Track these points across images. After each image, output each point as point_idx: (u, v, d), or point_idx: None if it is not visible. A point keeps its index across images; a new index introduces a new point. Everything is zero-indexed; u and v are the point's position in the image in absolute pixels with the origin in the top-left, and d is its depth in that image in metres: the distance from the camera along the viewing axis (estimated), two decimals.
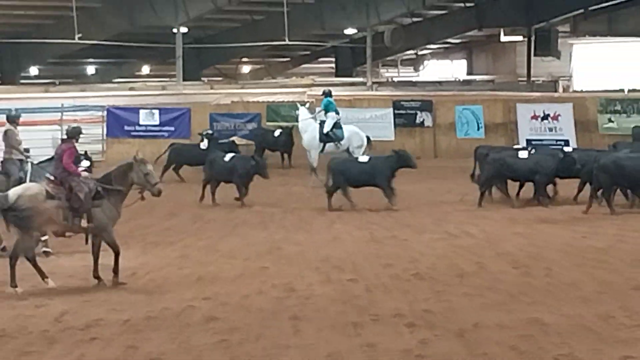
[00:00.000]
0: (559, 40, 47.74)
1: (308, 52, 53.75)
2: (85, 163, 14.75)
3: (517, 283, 14.02)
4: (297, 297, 13.32)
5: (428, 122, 35.43)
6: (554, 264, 15.35)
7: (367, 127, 30.81)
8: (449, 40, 54.75)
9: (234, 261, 16.15)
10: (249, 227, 20.07)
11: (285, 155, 32.93)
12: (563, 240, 17.65)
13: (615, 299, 12.85)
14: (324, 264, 15.73)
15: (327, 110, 27.71)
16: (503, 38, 51.62)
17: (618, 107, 33.17)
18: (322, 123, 27.60)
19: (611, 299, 12.85)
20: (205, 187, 23.94)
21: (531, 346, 10.60)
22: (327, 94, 28.20)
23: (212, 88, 40.87)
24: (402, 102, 36.02)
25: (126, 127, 34.34)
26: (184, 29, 40.64)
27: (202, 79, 45.91)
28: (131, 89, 39.46)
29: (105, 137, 34.21)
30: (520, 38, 50.53)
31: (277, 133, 32.90)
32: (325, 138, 27.41)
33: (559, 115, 33.80)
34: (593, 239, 17.82)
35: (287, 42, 41.33)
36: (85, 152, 15.35)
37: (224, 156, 24.16)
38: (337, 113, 27.77)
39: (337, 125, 27.49)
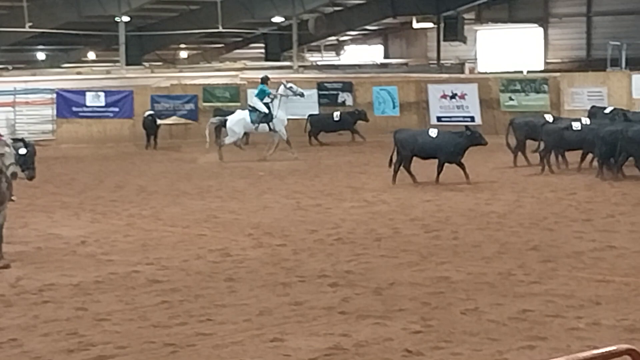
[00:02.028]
0: (465, 27, 48.00)
1: (240, 39, 53.48)
2: (22, 150, 13.94)
3: (428, 245, 14.15)
4: (232, 260, 13.33)
5: (349, 102, 35.47)
6: (460, 228, 15.52)
7: (294, 107, 30.75)
8: (367, 27, 54.78)
9: (175, 229, 16.10)
10: (189, 197, 20.01)
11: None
12: (468, 206, 17.83)
13: (515, 258, 13.02)
14: (255, 230, 15.75)
15: (257, 95, 27.78)
16: (415, 25, 51.78)
17: (518, 87, 33.47)
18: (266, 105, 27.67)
19: (511, 258, 13.03)
20: None
21: (441, 302, 10.72)
22: (263, 81, 28.31)
23: (152, 72, 40.54)
24: (326, 84, 36.04)
25: (74, 109, 33.94)
26: (126, 18, 40.21)
27: (144, 63, 45.43)
28: (78, 73, 38.98)
29: (55, 118, 33.82)
30: (430, 25, 50.72)
31: (336, 117, 32.65)
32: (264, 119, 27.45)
33: (465, 94, 34.03)
34: (495, 204, 18.02)
35: (220, 29, 41.16)
36: (22, 138, 14.62)
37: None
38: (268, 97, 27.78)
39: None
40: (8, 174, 13.16)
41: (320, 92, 35.49)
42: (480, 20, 50.52)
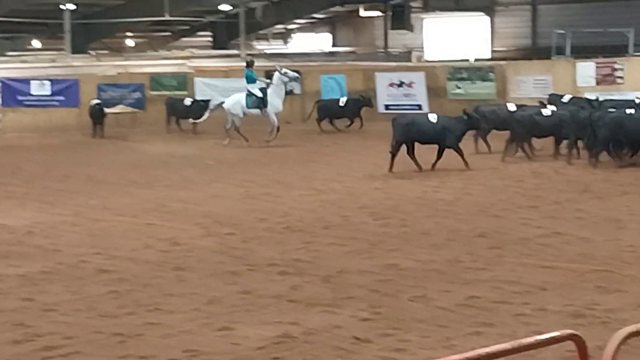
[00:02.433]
0: (412, 15, 48.12)
1: (187, 27, 53.15)
2: None
3: (377, 232, 14.20)
4: (181, 249, 13.28)
5: (297, 90, 35.43)
6: (409, 215, 15.59)
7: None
8: (315, 15, 54.72)
9: (123, 218, 16.00)
10: (137, 186, 19.88)
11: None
12: (416, 194, 17.91)
13: (463, 245, 13.11)
14: (204, 219, 15.69)
15: (248, 81, 28.03)
16: (363, 13, 51.80)
17: (464, 75, 33.67)
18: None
19: (459, 245, 13.12)
20: None
21: (390, 289, 10.76)
22: (249, 65, 28.60)
23: (99, 60, 40.23)
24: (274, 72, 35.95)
25: (19, 97, 33.54)
26: (72, 6, 39.81)
27: (90, 52, 45.02)
28: (23, 61, 38.59)
29: (0, 107, 33.45)
30: (378, 13, 50.78)
31: (342, 102, 32.47)
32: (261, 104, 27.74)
33: (412, 82, 34.16)
34: (443, 192, 18.13)
35: (167, 17, 40.90)
36: None
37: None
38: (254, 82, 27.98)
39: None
40: None
41: (269, 81, 35.38)
42: (427, 8, 50.65)
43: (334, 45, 56.03)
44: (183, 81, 34.92)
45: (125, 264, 12.38)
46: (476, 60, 39.57)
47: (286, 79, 28.24)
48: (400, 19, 47.37)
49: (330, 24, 57.40)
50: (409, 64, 41.66)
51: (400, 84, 34.17)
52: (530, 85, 31.99)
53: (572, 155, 21.88)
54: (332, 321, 9.49)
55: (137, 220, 15.75)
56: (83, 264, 12.45)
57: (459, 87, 33.61)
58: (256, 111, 27.89)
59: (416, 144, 21.41)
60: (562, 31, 38.36)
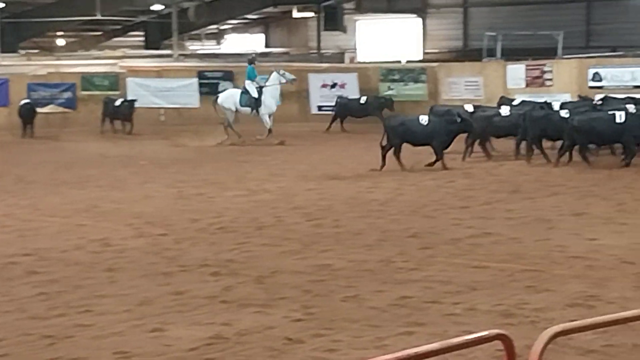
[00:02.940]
0: (345, 17, 48.27)
1: (119, 27, 52.77)
2: None
3: (310, 233, 14.21)
4: (113, 250, 13.17)
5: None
6: (342, 216, 15.63)
7: (174, 96, 30.68)
8: (248, 16, 54.64)
9: (54, 219, 15.83)
10: (68, 187, 19.69)
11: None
12: (350, 194, 17.97)
13: (395, 245, 13.17)
14: (137, 219, 15.58)
15: (248, 77, 28.06)
16: (296, 14, 51.84)
17: (396, 77, 33.93)
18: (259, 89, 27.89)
19: (391, 245, 13.18)
20: None
21: (322, 289, 10.78)
22: (251, 62, 28.68)
23: (29, 60, 39.75)
24: (206, 73, 35.91)
25: None
26: (1, 4, 39.33)
27: (20, 51, 44.50)
28: None
29: None
30: (311, 14, 50.85)
31: (363, 100, 32.20)
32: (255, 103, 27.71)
33: (345, 83, 34.33)
34: (376, 192, 18.21)
35: (99, 17, 40.55)
36: None
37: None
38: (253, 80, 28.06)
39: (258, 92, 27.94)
40: None
41: (201, 81, 35.34)
42: (360, 10, 50.81)
43: (267, 45, 56.00)
44: (115, 81, 34.71)
45: (56, 265, 12.24)
46: (408, 61, 39.83)
47: (283, 80, 28.31)
48: (333, 20, 47.48)
49: (264, 25, 57.37)
50: (341, 65, 41.82)
51: (333, 85, 34.33)
52: (461, 87, 32.33)
53: (531, 154, 22.11)
54: (265, 322, 9.48)
55: (69, 221, 15.59)
56: (13, 265, 12.29)
57: (391, 89, 33.83)
58: (247, 110, 27.90)
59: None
60: (493, 33, 38.75)
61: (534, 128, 21.93)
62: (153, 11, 47.41)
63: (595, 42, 43.17)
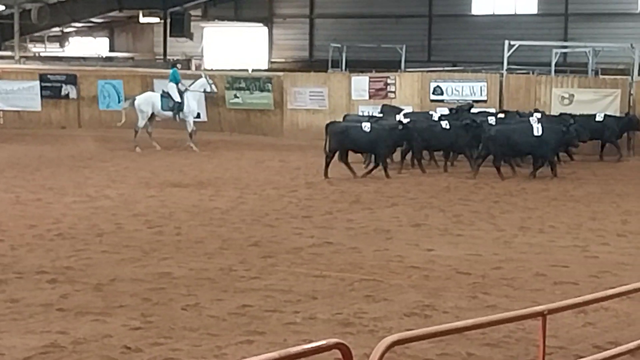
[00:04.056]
0: (192, 23, 48.06)
1: None
2: None
3: (151, 241, 14.06)
4: None
5: (73, 95, 34.80)
6: (183, 224, 15.52)
7: (15, 99, 29.94)
8: (93, 19, 53.78)
9: None
10: None
11: None
12: (192, 202, 17.86)
13: (236, 254, 13.15)
14: None
15: (172, 80, 27.45)
16: (142, 19, 51.30)
17: (243, 85, 33.88)
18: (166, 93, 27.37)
19: (232, 254, 13.15)
20: None
21: (162, 297, 10.67)
22: (174, 65, 28.10)
23: None
24: (49, 76, 35.16)
25: None
26: None
27: None
28: None
29: None
30: (157, 20, 50.41)
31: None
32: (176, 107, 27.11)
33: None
34: (218, 200, 18.15)
35: None
36: None
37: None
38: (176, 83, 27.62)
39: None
40: None
41: (43, 84, 34.61)
42: (206, 17, 50.73)
43: (111, 50, 55.22)
44: None
45: None
46: (254, 70, 39.90)
47: (208, 89, 27.95)
48: (179, 26, 47.21)
49: (109, 29, 56.56)
50: (188, 72, 41.56)
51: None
52: (306, 97, 32.52)
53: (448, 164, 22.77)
54: (103, 330, 9.32)
55: None
56: None
57: (237, 97, 33.79)
58: (169, 114, 27.34)
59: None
60: (338, 45, 39.20)
61: (417, 139, 22.23)
62: None
63: (436, 56, 44.22)
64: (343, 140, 21.68)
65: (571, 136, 22.32)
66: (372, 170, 21.84)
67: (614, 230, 15.35)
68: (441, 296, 10.85)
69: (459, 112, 26.07)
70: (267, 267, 12.31)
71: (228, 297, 10.70)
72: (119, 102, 34.31)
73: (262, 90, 33.40)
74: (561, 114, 25.99)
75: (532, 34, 38.12)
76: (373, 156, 22.27)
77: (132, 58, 50.54)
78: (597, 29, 40.50)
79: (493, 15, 43.91)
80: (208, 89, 28.28)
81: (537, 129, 21.78)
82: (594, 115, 26.43)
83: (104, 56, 51.58)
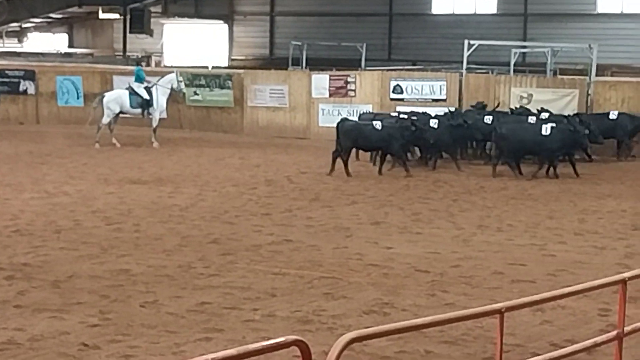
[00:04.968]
0: (152, 20, 47.81)
1: None
2: None
3: (109, 237, 13.99)
4: None
5: (31, 90, 34.52)
6: (142, 220, 15.45)
7: None
8: (52, 15, 53.39)
9: None
10: None
11: None
12: (151, 199, 17.78)
13: (195, 251, 13.12)
14: None
15: (137, 79, 27.33)
16: (101, 15, 51.00)
17: (203, 82, 33.73)
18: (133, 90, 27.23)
19: (191, 251, 13.12)
20: None
21: (120, 294, 10.62)
22: (138, 63, 27.99)
23: None
24: (7, 71, 34.88)
25: None
26: None
27: None
28: None
29: None
30: (117, 16, 50.12)
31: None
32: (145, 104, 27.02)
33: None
34: (177, 197, 18.08)
35: None
36: None
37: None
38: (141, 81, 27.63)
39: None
40: None
41: (1, 80, 34.35)
42: (166, 14, 50.50)
43: (70, 46, 54.83)
44: None
45: None
46: (214, 67, 39.77)
47: (175, 86, 27.74)
48: (139, 22, 46.94)
49: (68, 25, 56.16)
50: (147, 68, 41.35)
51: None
52: (267, 95, 32.46)
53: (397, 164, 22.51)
54: (60, 327, 9.26)
55: None
56: None
57: (197, 94, 33.65)
58: (138, 111, 27.21)
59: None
60: (298, 43, 39.18)
61: (345, 139, 22.10)
62: None
63: (397, 55, 44.30)
64: (356, 138, 21.85)
65: (580, 136, 21.98)
66: (392, 167, 22.08)
67: (571, 229, 15.47)
68: (400, 294, 10.89)
69: (474, 109, 26.15)
70: (226, 265, 12.28)
71: (187, 294, 10.67)
72: (77, 98, 34.11)
73: (222, 88, 33.29)
74: (577, 114, 25.19)
75: (492, 33, 38.28)
76: (381, 154, 22.46)
77: (91, 54, 50.22)
78: (556, 30, 40.77)
79: (453, 15, 44.06)
80: (175, 86, 28.14)
81: (546, 129, 21.78)
82: (607, 114, 26.32)
83: (62, 52, 51.21)
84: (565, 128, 22.03)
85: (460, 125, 23.34)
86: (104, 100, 27.47)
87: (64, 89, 34.48)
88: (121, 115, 27.70)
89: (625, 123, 26.00)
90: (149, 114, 27.56)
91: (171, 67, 42.55)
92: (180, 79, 28.54)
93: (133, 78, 28.38)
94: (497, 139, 22.34)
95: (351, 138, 21.84)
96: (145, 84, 27.78)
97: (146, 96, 27.49)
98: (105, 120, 27.16)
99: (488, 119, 24.46)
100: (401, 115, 24.71)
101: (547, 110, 25.83)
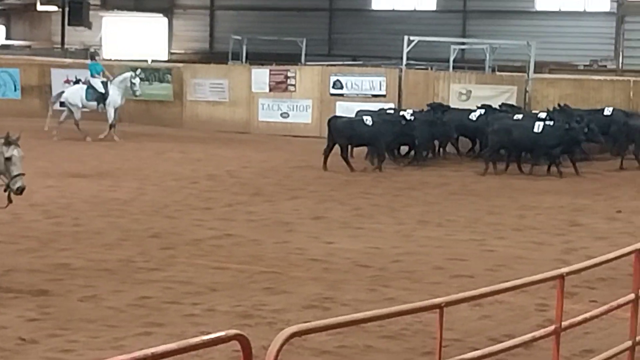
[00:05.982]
0: (91, 12, 47.37)
1: None
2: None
3: (49, 231, 13.87)
4: None
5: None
6: (82, 214, 15.33)
7: None
8: None
9: None
10: None
11: None
12: (91, 193, 17.65)
13: (136, 245, 13.06)
14: None
15: (92, 73, 26.99)
16: (39, 7, 50.40)
17: (142, 76, 33.50)
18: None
19: (132, 245, 13.05)
20: None
21: (60, 288, 10.54)
22: (92, 57, 27.64)
23: None
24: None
25: None
26: None
27: None
28: None
29: None
30: (55, 8, 49.60)
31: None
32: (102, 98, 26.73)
33: (90, 79, 33.62)
34: (118, 191, 17.97)
35: None
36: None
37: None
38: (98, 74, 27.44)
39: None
40: (14, 189, 11.00)
41: None
42: (105, 6, 50.06)
43: (8, 38, 54.14)
44: None
45: None
46: (154, 61, 39.52)
47: (129, 85, 27.40)
48: (78, 15, 46.47)
49: (5, 16, 55.44)
50: (86, 61, 40.97)
51: (77, 81, 33.49)
52: (207, 89, 32.34)
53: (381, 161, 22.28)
54: None
55: None
56: None
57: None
58: (93, 104, 26.98)
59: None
60: (238, 37, 39.05)
61: (339, 136, 21.98)
62: None
63: (337, 50, 44.35)
64: (351, 135, 21.83)
65: (576, 133, 21.76)
66: (380, 165, 21.92)
67: (511, 225, 15.62)
68: (341, 289, 10.93)
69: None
70: (166, 259, 12.24)
71: (127, 289, 10.62)
72: (15, 90, 33.72)
73: (161, 82, 33.10)
74: (562, 109, 24.94)
75: (431, 30, 38.45)
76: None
77: (29, 46, 49.64)
78: (495, 27, 41.07)
79: (393, 11, 44.20)
80: (129, 85, 27.91)
81: (538, 126, 21.79)
82: (602, 110, 25.87)
83: (0, 44, 50.58)
84: (561, 125, 21.96)
85: (435, 122, 23.33)
86: (64, 97, 27.36)
87: (1, 82, 34.08)
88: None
89: (620, 119, 25.68)
90: (104, 107, 27.43)
91: (110, 60, 42.26)
92: (135, 81, 28.25)
93: (74, 72, 28.25)
94: (492, 134, 22.23)
95: (345, 135, 21.90)
96: (103, 78, 27.63)
97: (102, 90, 27.35)
98: (77, 115, 26.99)
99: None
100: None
101: (489, 106, 25.97)
